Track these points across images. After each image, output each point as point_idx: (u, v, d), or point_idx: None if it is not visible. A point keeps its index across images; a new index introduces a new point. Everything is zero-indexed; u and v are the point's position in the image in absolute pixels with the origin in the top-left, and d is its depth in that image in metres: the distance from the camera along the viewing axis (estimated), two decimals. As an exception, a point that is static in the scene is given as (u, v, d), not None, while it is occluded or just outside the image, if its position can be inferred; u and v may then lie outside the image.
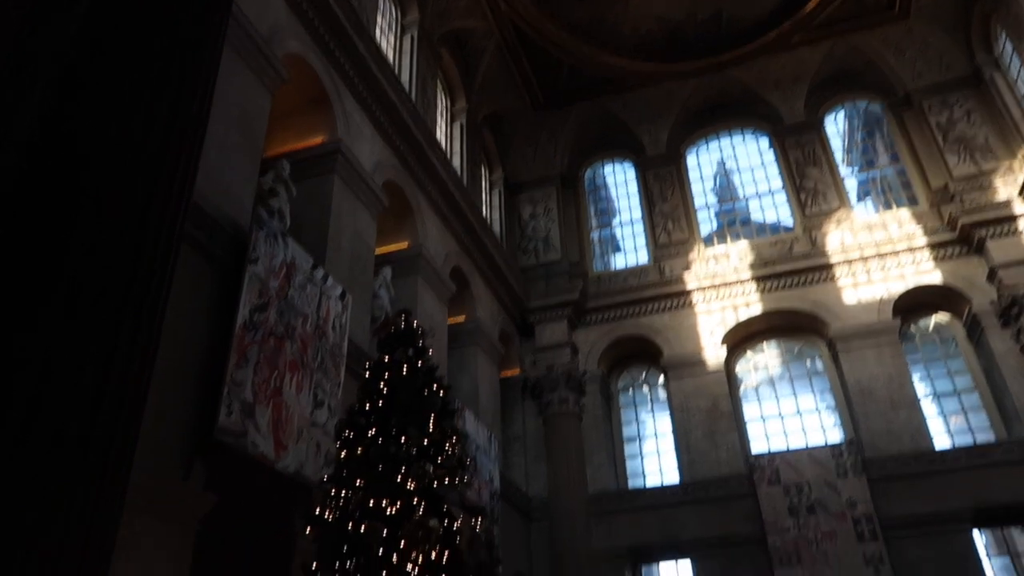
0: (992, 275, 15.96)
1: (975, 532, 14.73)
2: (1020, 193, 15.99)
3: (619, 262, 20.47)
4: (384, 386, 6.56)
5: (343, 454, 6.37)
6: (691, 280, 18.44)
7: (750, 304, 17.96)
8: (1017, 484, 14.37)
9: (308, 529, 6.20)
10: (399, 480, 6.07)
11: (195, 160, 3.40)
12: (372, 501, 5.98)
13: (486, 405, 15.71)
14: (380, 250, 12.92)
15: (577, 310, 18.80)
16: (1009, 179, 16.67)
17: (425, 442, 6.35)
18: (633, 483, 17.78)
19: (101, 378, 2.79)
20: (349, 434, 6.44)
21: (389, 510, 5.93)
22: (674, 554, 16.35)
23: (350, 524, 5.93)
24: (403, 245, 13.77)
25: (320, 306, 9.36)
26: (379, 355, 6.96)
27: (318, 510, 6.15)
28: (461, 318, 16.13)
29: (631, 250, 20.47)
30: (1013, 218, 16.09)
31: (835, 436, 16.72)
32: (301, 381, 8.70)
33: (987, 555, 14.91)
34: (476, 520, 6.54)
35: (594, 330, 18.84)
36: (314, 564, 5.96)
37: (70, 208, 3.01)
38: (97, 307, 2.86)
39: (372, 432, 6.34)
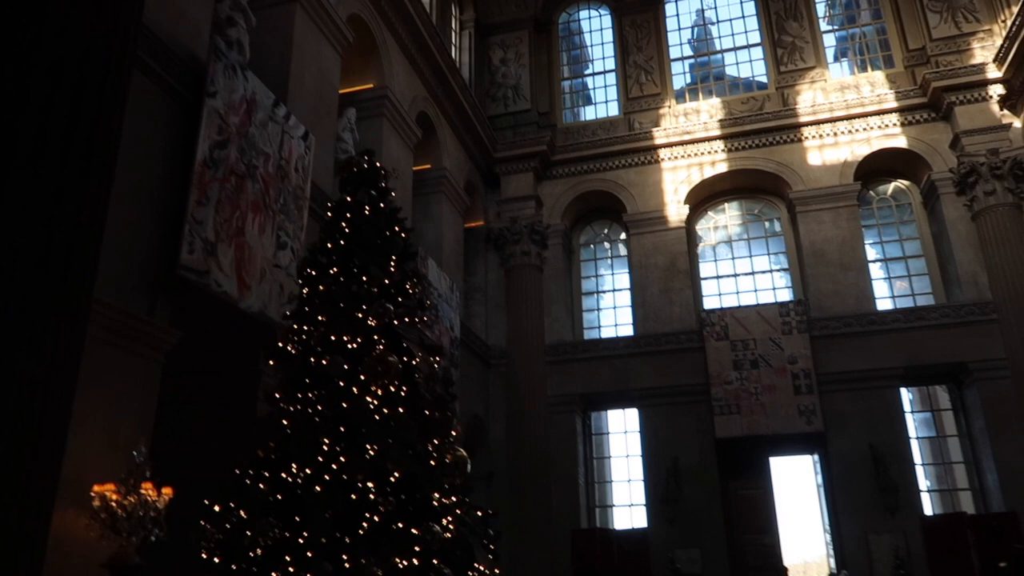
0: (955, 142, 16.10)
1: (902, 389, 15.79)
2: (995, 59, 15.82)
3: (589, 114, 20.10)
4: (346, 226, 6.57)
5: (305, 291, 6.48)
6: (660, 135, 18.29)
7: (716, 163, 17.99)
8: (947, 346, 15.25)
9: (272, 362, 6.40)
10: (360, 317, 6.23)
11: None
12: (334, 336, 6.16)
13: (449, 254, 15.86)
14: (344, 90, 12.48)
15: (544, 162, 18.66)
16: (987, 43, 16.41)
17: (386, 282, 6.46)
18: (589, 335, 18.44)
19: (53, 196, 2.73)
20: (311, 272, 6.52)
21: (350, 345, 6.13)
22: (623, 403, 17.31)
23: (312, 358, 6.13)
24: (368, 86, 13.32)
25: (283, 146, 9.16)
26: (341, 195, 6.92)
27: (281, 344, 6.33)
28: (427, 166, 15.92)
29: (602, 102, 20.07)
30: (984, 84, 15.98)
31: (785, 296, 17.39)
32: (264, 222, 8.67)
33: (911, 410, 16.12)
34: (434, 358, 6.80)
35: (560, 183, 18.81)
36: (277, 394, 6.20)
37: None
38: (45, 118, 2.76)
39: (334, 271, 6.43)
